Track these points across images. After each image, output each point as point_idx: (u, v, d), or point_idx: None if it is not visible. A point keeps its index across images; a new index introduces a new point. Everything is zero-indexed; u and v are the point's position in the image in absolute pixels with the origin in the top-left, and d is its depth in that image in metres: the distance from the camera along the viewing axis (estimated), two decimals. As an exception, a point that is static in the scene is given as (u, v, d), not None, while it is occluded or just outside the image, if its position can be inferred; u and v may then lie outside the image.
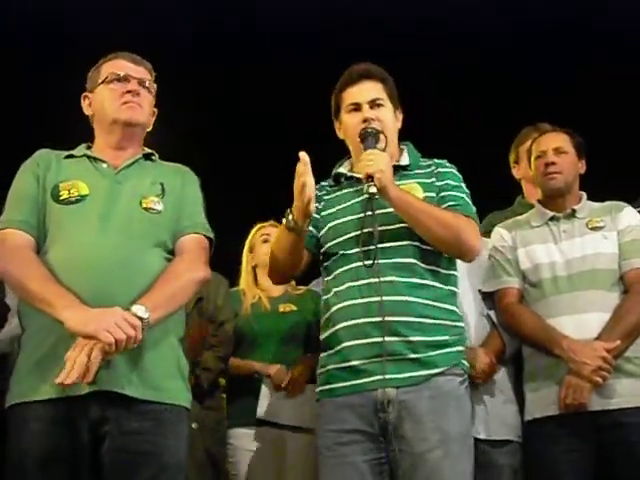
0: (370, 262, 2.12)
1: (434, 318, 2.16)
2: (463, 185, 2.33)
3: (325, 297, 2.32)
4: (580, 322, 2.49)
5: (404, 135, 2.43)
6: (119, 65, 2.20)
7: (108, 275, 1.96)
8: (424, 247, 2.21)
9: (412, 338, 2.11)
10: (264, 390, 2.97)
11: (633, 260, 2.57)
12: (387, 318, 2.10)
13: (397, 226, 2.20)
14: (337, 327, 2.20)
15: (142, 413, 1.95)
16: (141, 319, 1.88)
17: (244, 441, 2.97)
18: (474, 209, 2.30)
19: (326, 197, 2.38)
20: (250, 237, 3.33)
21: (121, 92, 2.15)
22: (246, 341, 3.09)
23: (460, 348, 2.24)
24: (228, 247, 2.63)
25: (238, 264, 3.32)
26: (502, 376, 2.66)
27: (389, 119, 2.31)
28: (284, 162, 2.22)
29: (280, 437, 2.96)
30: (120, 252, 1.99)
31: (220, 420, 3.02)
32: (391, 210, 2.19)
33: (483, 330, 2.68)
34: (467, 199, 2.29)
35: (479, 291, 2.74)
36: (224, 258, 2.66)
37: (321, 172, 2.37)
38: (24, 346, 2.02)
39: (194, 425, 2.82)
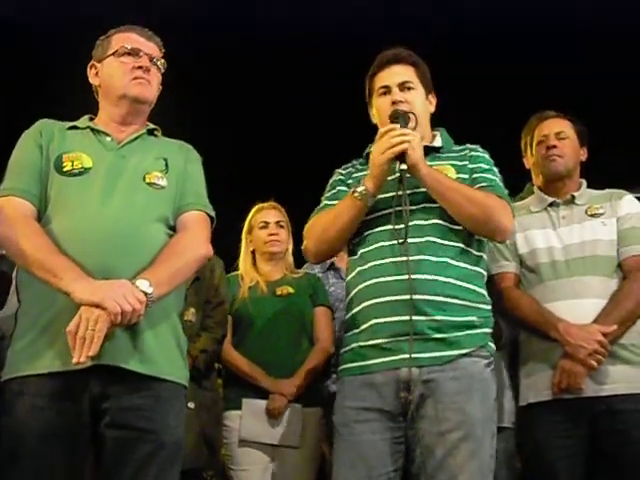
0: (402, 240, 2.10)
1: (462, 299, 2.15)
2: (495, 169, 2.33)
3: (351, 276, 2.29)
4: (577, 307, 2.49)
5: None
6: (131, 38, 2.16)
7: (110, 247, 1.93)
8: (454, 227, 2.20)
9: (438, 317, 2.10)
10: (245, 407, 2.95)
11: (632, 247, 2.57)
12: (415, 297, 2.08)
13: (427, 205, 2.20)
14: (364, 304, 2.18)
15: (142, 390, 1.93)
16: (145, 294, 1.87)
17: (238, 423, 2.97)
18: (506, 191, 2.29)
19: (355, 175, 2.37)
20: (249, 218, 3.27)
21: (132, 67, 2.12)
22: (243, 324, 3.08)
23: (487, 330, 2.20)
24: (226, 227, 2.59)
25: (236, 244, 3.26)
26: (498, 362, 2.65)
27: (419, 102, 2.32)
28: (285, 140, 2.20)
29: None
30: (122, 225, 1.97)
31: (216, 401, 3.02)
32: (421, 190, 2.19)
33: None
34: (499, 182, 2.29)
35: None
36: (222, 238, 2.63)
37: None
38: (21, 319, 1.99)
39: (191, 405, 2.81)
